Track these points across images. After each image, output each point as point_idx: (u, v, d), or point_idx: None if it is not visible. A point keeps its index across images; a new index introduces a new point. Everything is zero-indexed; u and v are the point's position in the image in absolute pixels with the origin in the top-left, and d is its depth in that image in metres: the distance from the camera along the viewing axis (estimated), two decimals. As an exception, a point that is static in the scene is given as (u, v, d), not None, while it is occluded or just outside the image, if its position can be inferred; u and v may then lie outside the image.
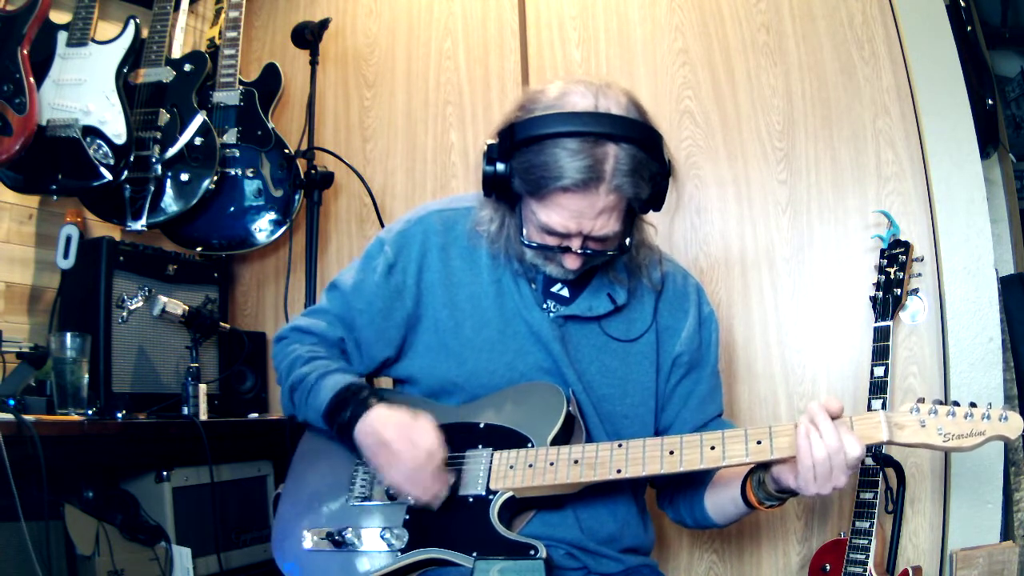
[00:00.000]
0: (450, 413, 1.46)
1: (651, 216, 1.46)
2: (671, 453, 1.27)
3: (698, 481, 1.46)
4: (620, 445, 1.30)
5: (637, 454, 1.28)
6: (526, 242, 1.36)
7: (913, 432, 1.18)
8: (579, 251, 1.33)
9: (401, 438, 1.32)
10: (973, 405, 1.17)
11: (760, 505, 1.34)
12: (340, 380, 1.43)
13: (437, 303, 1.48)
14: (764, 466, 1.31)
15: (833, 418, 1.21)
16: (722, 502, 1.42)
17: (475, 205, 1.48)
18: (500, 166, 1.32)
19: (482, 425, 1.41)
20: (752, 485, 1.34)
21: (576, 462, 1.30)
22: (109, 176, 2.25)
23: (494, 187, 1.35)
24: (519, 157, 1.29)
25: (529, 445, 1.36)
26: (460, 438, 1.41)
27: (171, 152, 2.36)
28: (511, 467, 1.34)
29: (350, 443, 1.40)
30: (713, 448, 1.25)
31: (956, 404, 1.17)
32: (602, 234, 1.31)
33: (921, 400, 1.19)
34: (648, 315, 1.50)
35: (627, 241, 1.38)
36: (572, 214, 1.29)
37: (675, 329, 1.52)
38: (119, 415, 2.00)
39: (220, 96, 2.50)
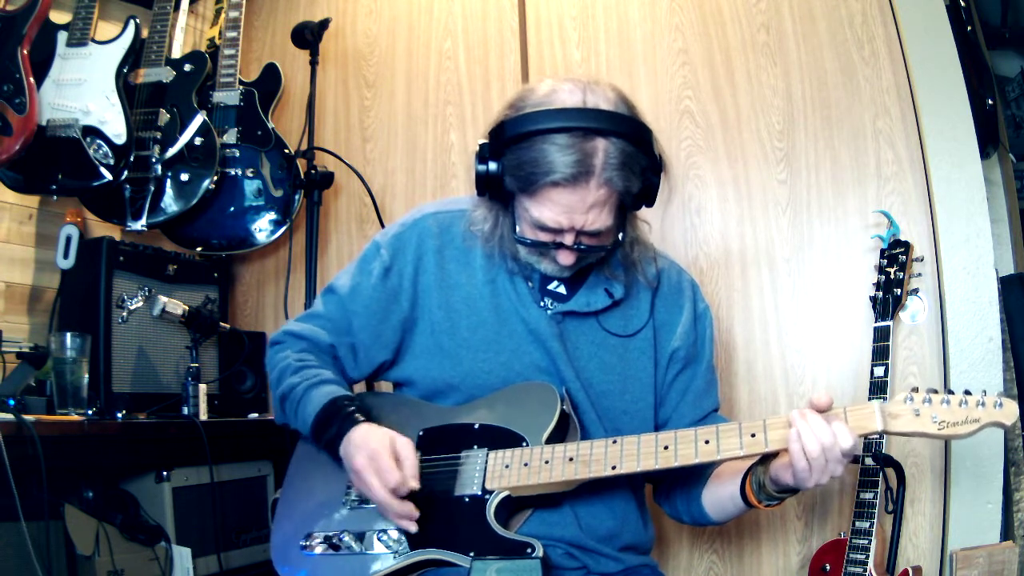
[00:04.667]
0: (445, 414, 1.46)
1: (647, 214, 1.46)
2: (666, 448, 1.27)
3: (696, 477, 1.46)
4: (615, 441, 1.30)
5: (632, 450, 1.28)
6: (520, 239, 1.37)
7: (908, 421, 1.18)
8: (572, 246, 1.34)
9: (368, 468, 1.31)
10: (968, 393, 1.16)
11: (759, 504, 1.34)
12: (325, 394, 1.42)
13: (433, 305, 1.48)
14: (763, 466, 1.31)
15: (823, 412, 1.21)
16: (720, 500, 1.42)
17: (469, 207, 1.48)
18: (492, 164, 1.33)
19: (477, 426, 1.41)
20: (752, 486, 1.34)
21: (571, 459, 1.30)
22: (109, 176, 2.25)
23: (487, 186, 1.36)
24: (510, 155, 1.30)
25: (524, 444, 1.36)
26: (455, 439, 1.41)
27: (171, 152, 2.37)
28: (506, 466, 1.34)
29: (338, 460, 1.40)
30: (708, 442, 1.25)
31: (951, 392, 1.17)
32: (594, 229, 1.31)
33: (915, 390, 1.19)
34: (645, 311, 1.50)
35: (620, 236, 1.38)
36: (563, 209, 1.29)
37: (671, 324, 1.52)
38: (119, 415, 2.00)
39: (220, 96, 2.50)
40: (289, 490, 1.53)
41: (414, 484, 1.30)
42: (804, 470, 1.20)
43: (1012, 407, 1.14)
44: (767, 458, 1.30)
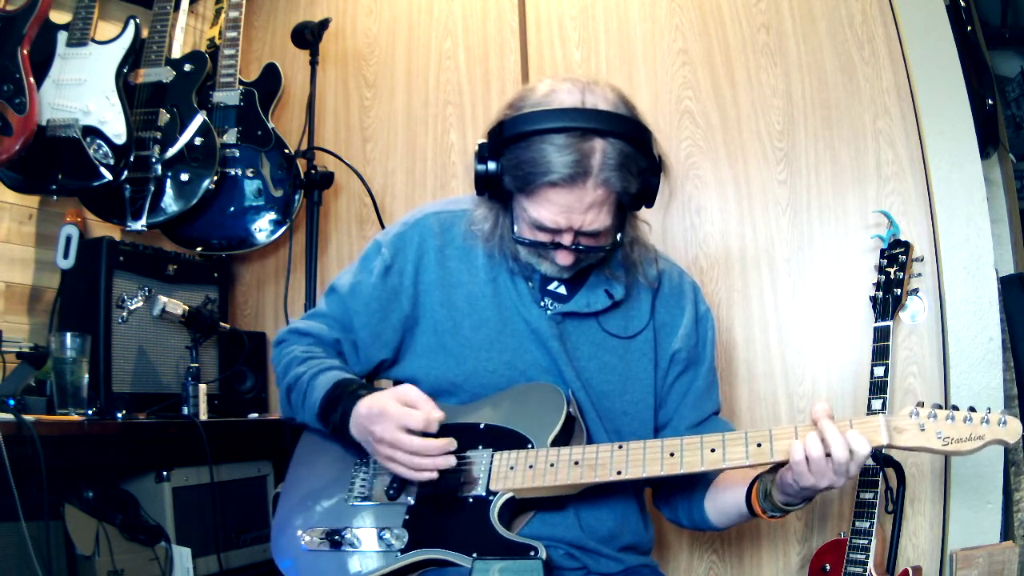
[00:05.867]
0: (450, 413, 1.45)
1: (647, 215, 1.46)
2: (671, 455, 1.27)
3: (698, 483, 1.46)
4: (620, 447, 1.30)
5: (637, 456, 1.28)
6: (519, 239, 1.37)
7: (912, 436, 1.18)
8: (570, 247, 1.33)
9: (387, 429, 1.31)
10: (972, 409, 1.17)
11: (763, 514, 1.34)
12: (331, 378, 1.42)
13: (435, 304, 1.48)
14: (772, 473, 1.31)
15: None
16: (724, 506, 1.41)
17: (470, 206, 1.48)
18: (491, 164, 1.33)
19: (482, 426, 1.41)
20: (758, 495, 1.33)
21: (576, 463, 1.30)
22: (109, 176, 2.25)
23: (486, 185, 1.36)
24: (508, 154, 1.30)
25: (529, 446, 1.36)
26: (460, 439, 1.40)
27: (171, 152, 2.36)
28: (511, 468, 1.34)
29: (347, 441, 1.40)
30: (713, 450, 1.25)
31: (955, 408, 1.17)
32: (592, 229, 1.31)
33: (920, 404, 1.19)
34: (646, 312, 1.50)
35: (619, 237, 1.38)
36: (561, 209, 1.29)
37: (672, 326, 1.52)
38: (119, 415, 2.00)
39: (220, 96, 2.50)
40: (291, 485, 1.53)
41: (438, 414, 1.31)
42: (801, 463, 1.20)
43: (1015, 425, 1.14)
44: (777, 465, 1.29)
